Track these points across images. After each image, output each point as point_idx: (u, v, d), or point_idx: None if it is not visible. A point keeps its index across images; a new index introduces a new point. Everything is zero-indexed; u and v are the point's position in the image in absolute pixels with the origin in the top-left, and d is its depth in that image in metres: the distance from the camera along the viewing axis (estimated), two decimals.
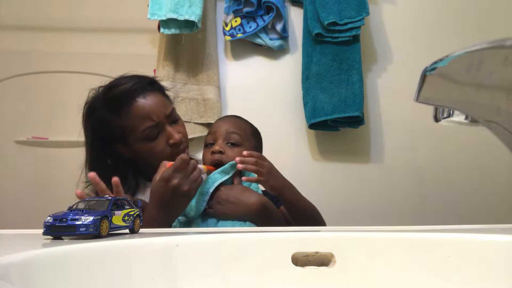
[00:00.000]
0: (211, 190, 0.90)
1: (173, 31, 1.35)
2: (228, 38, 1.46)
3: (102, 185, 0.82)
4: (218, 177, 0.91)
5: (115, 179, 0.82)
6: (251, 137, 1.01)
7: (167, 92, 1.06)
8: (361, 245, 0.46)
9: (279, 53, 1.50)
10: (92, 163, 1.00)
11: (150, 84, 0.99)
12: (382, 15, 1.51)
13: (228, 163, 0.92)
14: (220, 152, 0.95)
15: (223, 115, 1.41)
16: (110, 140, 0.99)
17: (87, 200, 0.52)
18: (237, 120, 1.04)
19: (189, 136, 1.24)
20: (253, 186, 0.95)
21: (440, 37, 1.48)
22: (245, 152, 0.90)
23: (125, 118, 0.95)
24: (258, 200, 0.88)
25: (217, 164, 0.94)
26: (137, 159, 1.01)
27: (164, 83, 1.18)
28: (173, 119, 1.00)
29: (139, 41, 1.54)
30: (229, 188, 0.91)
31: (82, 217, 0.47)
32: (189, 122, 1.42)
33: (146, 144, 0.96)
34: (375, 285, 0.43)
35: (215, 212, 0.89)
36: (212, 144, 0.98)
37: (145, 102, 0.95)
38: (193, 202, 0.89)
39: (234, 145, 0.97)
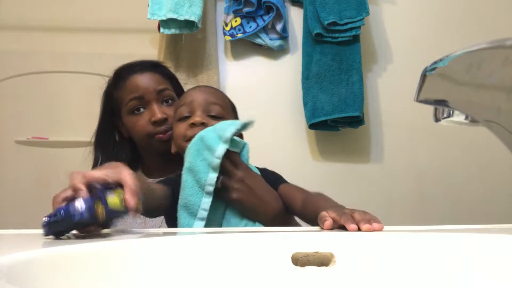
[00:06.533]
0: (223, 148, 0.75)
1: (173, 31, 1.35)
2: (228, 38, 1.46)
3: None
4: (232, 129, 0.76)
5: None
6: (231, 110, 0.92)
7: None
8: (361, 245, 0.46)
9: (279, 53, 1.50)
10: (98, 136, 1.04)
11: (153, 66, 1.03)
12: (382, 15, 1.51)
13: (249, 119, 0.80)
14: (203, 124, 0.82)
15: None
16: (112, 113, 1.03)
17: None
18: (215, 90, 0.93)
19: None
20: (252, 166, 0.85)
21: (440, 37, 1.48)
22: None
23: (119, 91, 1.00)
24: (279, 205, 0.81)
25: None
26: (133, 139, 1.02)
27: None
28: (164, 97, 1.00)
29: (139, 41, 1.54)
30: (250, 175, 0.80)
31: (75, 205, 0.46)
32: None
33: (131, 117, 0.99)
34: (375, 285, 0.43)
35: (231, 199, 0.78)
36: (189, 117, 0.85)
37: (138, 76, 0.99)
38: (198, 161, 0.76)
39: (215, 117, 0.84)
